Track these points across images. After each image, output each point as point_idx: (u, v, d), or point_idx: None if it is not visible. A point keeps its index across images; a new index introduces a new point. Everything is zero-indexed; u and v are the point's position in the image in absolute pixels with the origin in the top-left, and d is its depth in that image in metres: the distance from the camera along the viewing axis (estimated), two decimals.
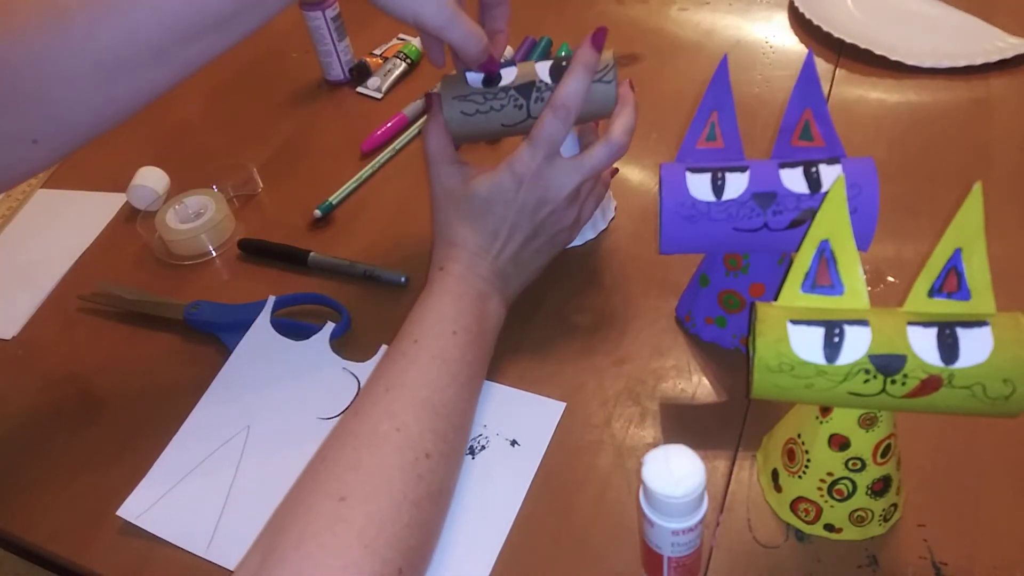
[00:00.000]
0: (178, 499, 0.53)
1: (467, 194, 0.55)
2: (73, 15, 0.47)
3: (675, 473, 0.39)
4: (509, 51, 0.89)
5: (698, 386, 0.56)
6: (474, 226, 0.55)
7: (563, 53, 0.85)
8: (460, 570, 0.48)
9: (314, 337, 0.61)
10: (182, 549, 0.50)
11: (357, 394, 0.58)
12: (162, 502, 0.53)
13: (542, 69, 0.56)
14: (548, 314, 0.62)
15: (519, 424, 0.55)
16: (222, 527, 0.51)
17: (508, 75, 0.56)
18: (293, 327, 0.62)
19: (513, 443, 0.54)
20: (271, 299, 0.63)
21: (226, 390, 0.59)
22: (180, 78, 0.52)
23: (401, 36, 0.95)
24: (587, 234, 0.67)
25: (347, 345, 0.62)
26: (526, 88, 0.55)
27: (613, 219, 0.69)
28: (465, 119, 0.56)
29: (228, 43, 0.51)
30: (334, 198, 0.74)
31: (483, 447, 0.54)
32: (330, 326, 0.62)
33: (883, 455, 0.44)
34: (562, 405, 0.56)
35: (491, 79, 0.56)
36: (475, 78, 0.56)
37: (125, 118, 0.53)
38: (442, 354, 0.50)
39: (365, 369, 0.59)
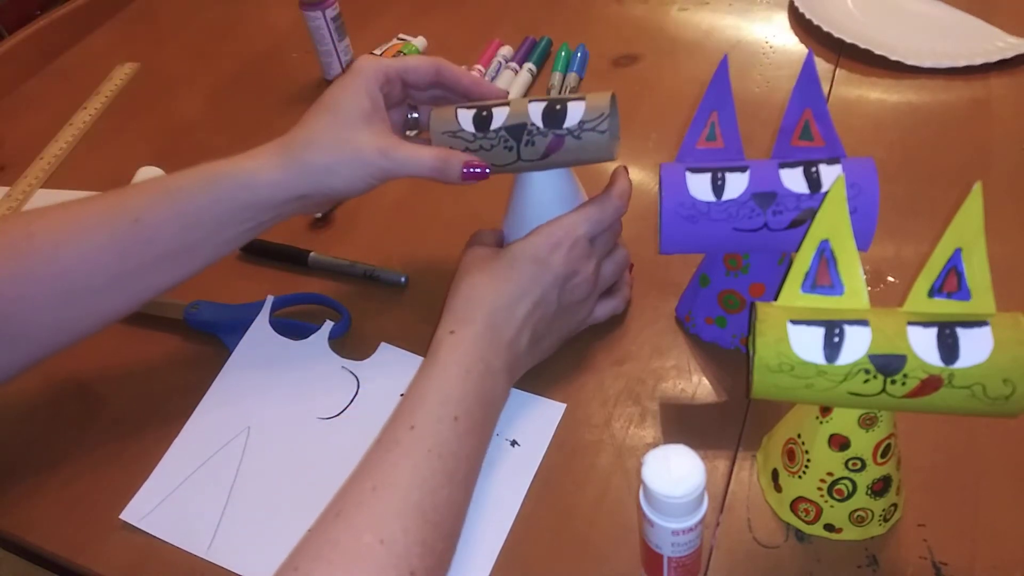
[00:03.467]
0: (180, 502, 0.53)
1: (498, 253, 0.54)
2: (38, 238, 0.50)
3: (675, 473, 0.39)
4: (508, 51, 0.89)
5: (698, 386, 0.56)
6: (498, 284, 0.52)
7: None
8: (460, 570, 0.48)
9: (313, 336, 0.61)
10: (182, 549, 0.50)
11: (356, 394, 0.58)
12: (164, 505, 0.53)
13: (535, 110, 0.54)
14: None
15: (519, 424, 0.55)
16: (223, 528, 0.51)
17: (500, 115, 0.54)
18: (293, 327, 0.62)
19: (513, 443, 0.54)
20: (269, 299, 0.63)
21: (226, 392, 0.59)
22: (142, 300, 0.53)
23: (401, 36, 0.95)
24: None
25: (347, 345, 0.62)
26: (517, 130, 0.54)
27: None
28: None
29: (188, 272, 0.53)
30: None
31: None
32: (329, 325, 0.62)
33: (883, 455, 0.44)
34: (562, 406, 0.56)
35: (482, 120, 0.55)
36: (466, 116, 0.55)
37: (85, 336, 0.53)
38: (439, 447, 0.45)
39: (364, 368, 0.59)
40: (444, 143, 0.55)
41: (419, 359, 0.59)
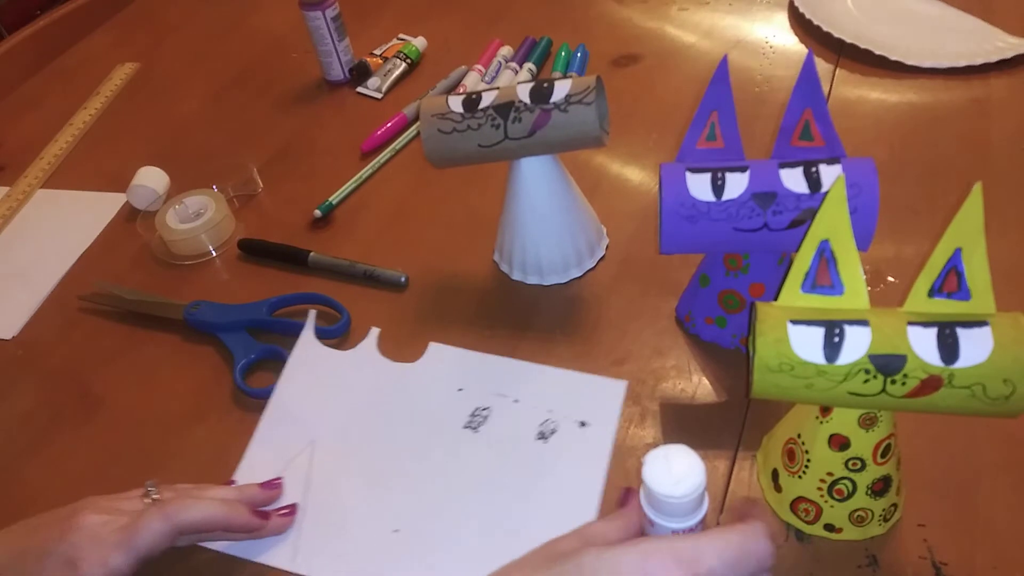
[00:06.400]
0: None
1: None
2: None
3: (675, 473, 0.39)
4: (508, 51, 0.89)
5: (698, 386, 0.56)
6: None
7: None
8: None
9: (361, 344, 0.61)
10: (180, 548, 0.50)
11: (412, 395, 0.57)
12: None
13: (523, 90, 0.55)
14: (548, 314, 0.62)
15: (585, 405, 0.55)
16: (304, 541, 0.51)
17: (488, 97, 0.55)
18: (292, 327, 0.62)
19: (582, 424, 0.54)
20: (312, 313, 0.62)
21: (283, 409, 0.58)
22: None
23: (401, 36, 0.95)
24: (572, 272, 0.64)
25: (346, 345, 0.62)
26: (504, 108, 0.54)
27: (603, 258, 0.66)
28: (442, 137, 0.56)
29: None
30: (334, 198, 0.74)
31: (553, 431, 0.54)
32: (375, 332, 0.61)
33: (883, 455, 0.44)
34: (624, 383, 0.56)
35: (471, 103, 0.55)
36: (456, 101, 0.56)
37: None
38: None
39: (417, 369, 0.59)
40: (432, 125, 0.56)
41: (471, 353, 0.59)
